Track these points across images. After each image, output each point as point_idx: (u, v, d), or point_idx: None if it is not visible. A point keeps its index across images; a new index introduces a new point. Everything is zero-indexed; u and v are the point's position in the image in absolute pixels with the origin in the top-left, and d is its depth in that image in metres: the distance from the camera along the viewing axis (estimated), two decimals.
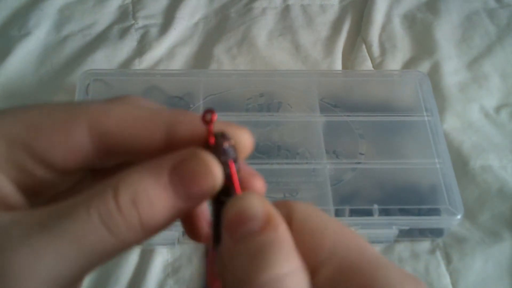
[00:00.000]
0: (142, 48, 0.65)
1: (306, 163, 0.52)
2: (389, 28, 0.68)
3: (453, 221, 0.49)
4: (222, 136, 0.21)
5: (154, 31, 0.67)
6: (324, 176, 0.51)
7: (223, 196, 0.21)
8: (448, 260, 0.50)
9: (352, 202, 0.50)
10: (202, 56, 0.65)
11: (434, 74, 0.63)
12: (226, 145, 0.21)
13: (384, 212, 0.49)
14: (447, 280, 0.49)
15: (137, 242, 0.21)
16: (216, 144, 0.21)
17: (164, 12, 0.69)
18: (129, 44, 0.65)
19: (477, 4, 0.71)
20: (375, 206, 0.49)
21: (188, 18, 0.69)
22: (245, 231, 0.19)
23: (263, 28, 0.68)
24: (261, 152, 0.53)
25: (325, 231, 0.20)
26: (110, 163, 0.24)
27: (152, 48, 0.65)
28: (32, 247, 0.19)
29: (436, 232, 0.51)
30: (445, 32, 0.68)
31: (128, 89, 0.57)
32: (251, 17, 0.69)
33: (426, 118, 0.55)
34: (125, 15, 0.69)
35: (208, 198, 0.21)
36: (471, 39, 0.67)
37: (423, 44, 0.67)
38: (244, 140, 0.22)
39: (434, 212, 0.49)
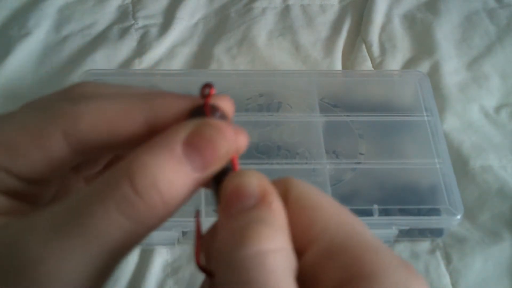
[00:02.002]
0: (142, 48, 0.65)
1: (306, 163, 0.52)
2: (389, 28, 0.68)
3: (453, 221, 0.49)
4: (213, 108, 0.22)
5: (154, 31, 0.67)
6: (324, 176, 0.51)
7: (221, 173, 0.21)
8: (448, 260, 0.50)
9: (352, 202, 0.50)
10: (202, 56, 0.65)
11: (434, 74, 0.63)
12: (218, 115, 0.22)
13: (384, 212, 0.49)
14: (447, 280, 0.49)
15: (161, 222, 0.20)
16: (211, 116, 0.22)
17: (164, 12, 0.69)
18: (129, 44, 0.65)
19: (477, 4, 0.71)
20: (375, 206, 0.49)
21: (188, 18, 0.69)
22: (238, 207, 0.19)
23: (263, 28, 0.68)
24: (261, 152, 0.53)
25: (318, 208, 0.20)
26: (93, 159, 0.23)
27: (152, 48, 0.65)
28: (54, 252, 0.19)
29: (436, 232, 0.51)
30: (445, 32, 0.68)
31: None
32: (251, 17, 0.69)
33: (426, 118, 0.55)
34: (125, 15, 0.69)
35: (223, 164, 0.21)
36: (471, 39, 0.67)
37: (423, 44, 0.67)
38: (226, 107, 0.23)
39: (434, 212, 0.49)
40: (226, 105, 0.23)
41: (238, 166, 0.22)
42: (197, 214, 0.22)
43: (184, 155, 0.20)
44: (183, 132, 0.20)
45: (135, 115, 0.22)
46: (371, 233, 0.20)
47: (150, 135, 0.21)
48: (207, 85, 0.22)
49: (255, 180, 0.20)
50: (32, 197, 0.22)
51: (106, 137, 0.22)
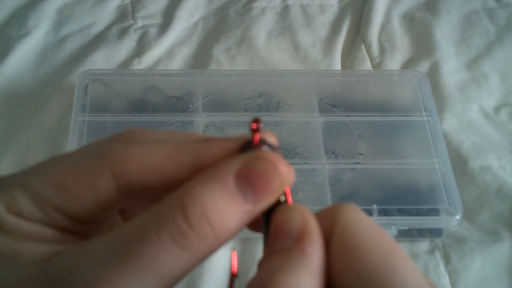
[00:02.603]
0: (141, 48, 0.65)
1: (305, 163, 0.52)
2: (388, 28, 0.68)
3: (452, 221, 0.49)
4: (262, 141, 0.22)
5: (153, 31, 0.67)
6: (323, 176, 0.51)
7: (272, 207, 0.21)
8: (447, 260, 0.50)
9: (351, 202, 0.50)
10: (201, 56, 0.65)
11: (433, 74, 0.63)
12: (266, 147, 0.22)
13: (383, 212, 0.49)
14: (446, 280, 0.49)
15: (212, 253, 0.20)
16: (261, 148, 0.22)
17: (163, 12, 0.69)
18: (128, 44, 0.65)
19: (477, 4, 0.71)
20: (374, 206, 0.49)
21: (187, 18, 0.69)
22: (277, 246, 0.20)
23: (262, 28, 0.68)
24: None
25: (360, 247, 0.19)
26: (137, 201, 0.24)
27: (151, 48, 0.65)
28: (108, 278, 0.19)
29: (435, 232, 0.51)
30: (444, 32, 0.68)
31: (127, 89, 0.57)
32: (250, 17, 0.69)
33: (425, 118, 0.55)
34: (124, 15, 0.69)
35: (276, 197, 0.21)
36: (471, 39, 0.67)
37: (422, 44, 0.67)
38: (272, 141, 0.23)
39: (433, 212, 0.49)
40: (271, 139, 0.23)
41: (291, 200, 0.22)
42: (233, 252, 0.23)
43: (237, 187, 0.20)
44: (235, 165, 0.21)
45: (183, 158, 0.22)
46: (415, 272, 0.19)
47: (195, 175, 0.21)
48: (256, 120, 0.22)
49: (298, 217, 0.20)
50: (79, 234, 0.23)
51: (154, 179, 0.22)
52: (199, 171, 0.22)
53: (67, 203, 0.22)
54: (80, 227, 0.23)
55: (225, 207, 0.20)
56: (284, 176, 0.21)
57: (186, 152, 0.22)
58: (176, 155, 0.22)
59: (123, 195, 0.22)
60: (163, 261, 0.19)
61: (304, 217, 0.20)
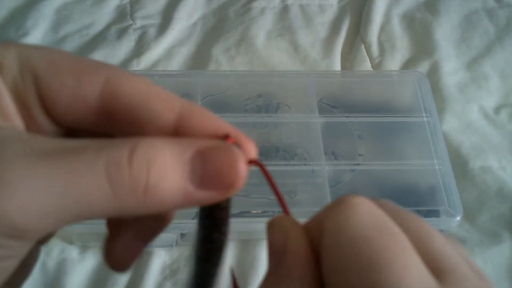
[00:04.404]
0: (140, 49, 0.65)
1: (305, 164, 0.52)
2: (388, 28, 0.68)
3: (452, 222, 0.49)
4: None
5: (152, 31, 0.67)
6: (323, 177, 0.51)
7: (218, 209, 0.20)
8: None
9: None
10: (201, 57, 0.65)
11: (433, 74, 0.63)
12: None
13: None
14: None
15: (132, 211, 0.19)
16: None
17: (162, 13, 0.69)
18: (127, 44, 0.65)
19: (476, 4, 0.71)
20: None
21: (186, 19, 0.68)
22: (268, 266, 0.20)
23: (262, 28, 0.67)
24: (259, 153, 0.52)
25: (338, 265, 0.19)
26: (104, 131, 0.22)
27: (150, 49, 0.64)
28: (28, 170, 0.18)
29: None
30: (444, 32, 0.67)
31: None
32: (249, 17, 0.68)
33: (425, 119, 0.55)
34: (123, 15, 0.68)
35: (221, 197, 0.20)
36: (471, 39, 0.67)
37: (422, 44, 0.66)
38: (251, 149, 0.22)
39: (433, 213, 0.49)
40: (251, 147, 0.22)
41: (288, 210, 0.21)
42: (232, 271, 0.22)
43: (190, 162, 0.20)
44: (202, 143, 0.20)
45: (172, 105, 0.21)
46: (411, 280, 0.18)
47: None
48: (227, 136, 0.21)
49: (279, 235, 0.20)
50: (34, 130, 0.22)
51: (137, 111, 0.21)
52: (175, 132, 0.21)
53: (54, 84, 0.21)
54: (45, 124, 0.22)
55: (170, 170, 0.19)
56: (239, 177, 0.20)
57: (177, 101, 0.21)
58: (169, 97, 0.21)
59: (99, 114, 0.21)
60: (86, 185, 0.18)
61: (287, 234, 0.20)
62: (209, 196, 0.20)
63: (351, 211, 0.19)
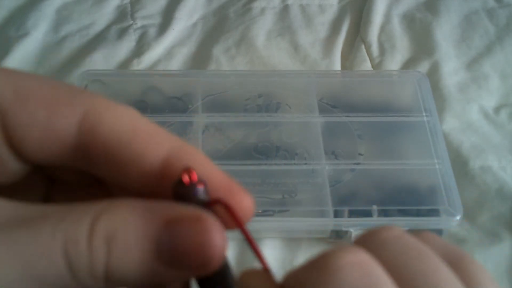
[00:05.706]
0: (140, 49, 0.65)
1: (305, 164, 0.52)
2: (388, 28, 0.68)
3: (452, 222, 0.49)
4: (197, 186, 0.18)
5: (152, 31, 0.67)
6: (323, 177, 0.51)
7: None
8: None
9: (351, 203, 0.50)
10: (201, 57, 0.65)
11: (433, 74, 0.63)
12: (202, 196, 0.18)
13: (383, 213, 0.49)
14: None
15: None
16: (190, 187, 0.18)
17: (163, 12, 0.69)
18: (128, 44, 0.65)
19: (477, 4, 0.71)
20: (374, 207, 0.49)
21: (186, 19, 0.69)
22: None
23: (262, 28, 0.67)
24: (260, 152, 0.52)
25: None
26: (80, 167, 0.20)
27: (150, 49, 0.64)
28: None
29: (435, 233, 0.51)
30: (444, 32, 0.67)
31: (127, 89, 0.57)
32: (249, 17, 0.68)
33: (425, 119, 0.55)
34: (123, 15, 0.68)
35: (198, 274, 0.18)
36: (471, 39, 0.67)
37: (422, 44, 0.66)
38: (245, 205, 0.19)
39: (433, 213, 0.49)
40: (246, 203, 0.19)
41: (265, 263, 0.19)
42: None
43: (157, 237, 0.17)
44: (174, 212, 0.17)
45: (161, 144, 0.19)
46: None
47: (154, 184, 0.19)
48: (188, 170, 0.18)
49: None
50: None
51: (119, 150, 0.19)
52: (159, 176, 0.19)
53: (22, 118, 0.18)
54: (13, 164, 0.19)
55: (134, 251, 0.17)
56: (213, 259, 0.17)
57: (167, 139, 0.19)
58: (158, 134, 0.19)
59: (75, 152, 0.19)
60: (42, 269, 0.16)
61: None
62: (184, 274, 0.18)
63: (333, 278, 0.16)
